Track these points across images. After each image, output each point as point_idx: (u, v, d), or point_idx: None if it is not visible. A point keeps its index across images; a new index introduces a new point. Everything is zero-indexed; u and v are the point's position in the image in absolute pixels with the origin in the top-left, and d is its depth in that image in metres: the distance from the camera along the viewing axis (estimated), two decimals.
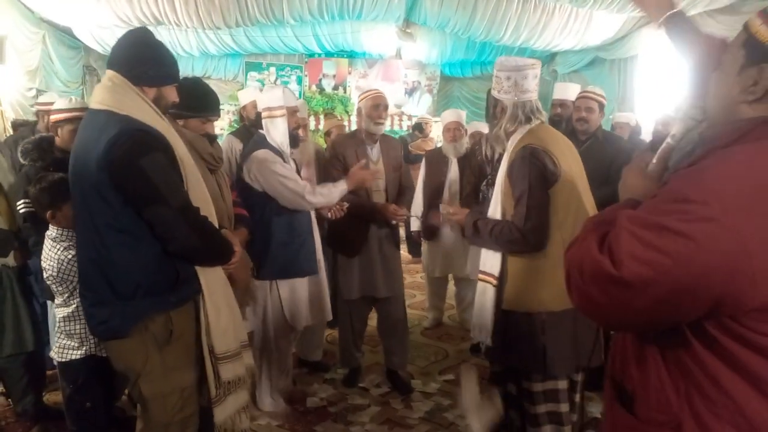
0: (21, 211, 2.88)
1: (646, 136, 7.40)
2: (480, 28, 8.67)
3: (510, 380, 2.48)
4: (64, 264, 2.40)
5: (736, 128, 1.07)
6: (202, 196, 2.09)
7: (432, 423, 3.21)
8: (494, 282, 2.34)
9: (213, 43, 10.05)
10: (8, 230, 2.85)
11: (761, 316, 0.95)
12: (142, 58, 1.99)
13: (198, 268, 2.03)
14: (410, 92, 11.46)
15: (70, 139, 2.89)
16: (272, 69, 10.98)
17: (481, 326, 2.43)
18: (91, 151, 1.86)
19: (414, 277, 6.09)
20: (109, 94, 1.96)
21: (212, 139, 2.88)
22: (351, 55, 11.09)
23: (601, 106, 3.55)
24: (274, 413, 3.26)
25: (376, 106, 3.43)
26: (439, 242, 4.48)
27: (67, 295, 2.45)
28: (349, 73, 11.11)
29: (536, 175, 2.18)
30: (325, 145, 4.95)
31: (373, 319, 3.79)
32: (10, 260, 2.88)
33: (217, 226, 2.16)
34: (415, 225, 4.59)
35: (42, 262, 2.47)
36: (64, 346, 2.50)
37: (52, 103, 3.86)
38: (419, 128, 8.00)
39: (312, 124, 9.96)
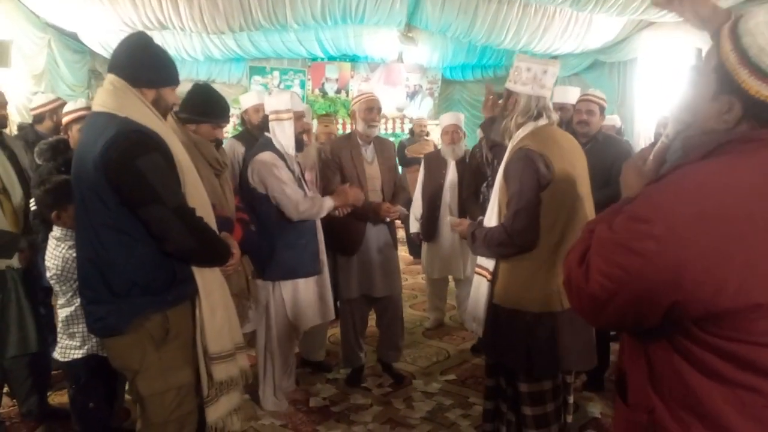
0: (33, 209, 2.92)
1: (637, 139, 7.46)
2: (481, 32, 8.70)
3: (501, 375, 2.51)
4: (69, 262, 2.44)
5: (705, 143, 1.11)
6: (200, 198, 2.11)
7: (434, 423, 3.24)
8: (488, 276, 2.38)
9: (217, 48, 10.10)
10: (13, 232, 2.89)
11: (712, 321, 1.02)
12: (140, 61, 2.03)
13: (195, 269, 2.06)
14: (412, 96, 11.49)
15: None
16: (276, 73, 11.03)
17: (474, 318, 2.47)
18: (90, 152, 1.90)
19: (416, 278, 6.13)
20: (109, 97, 1.99)
21: (218, 144, 2.93)
22: (353, 59, 11.13)
23: (602, 109, 3.58)
24: (277, 413, 3.30)
25: (370, 109, 3.51)
26: (438, 244, 4.52)
27: (70, 294, 2.48)
28: (352, 77, 11.15)
29: (528, 177, 2.20)
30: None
31: (373, 318, 3.84)
32: (15, 262, 2.91)
33: (215, 228, 2.18)
34: (415, 227, 4.63)
35: (46, 261, 2.51)
36: (66, 346, 2.54)
37: (53, 102, 3.91)
38: (412, 132, 8.06)
39: (315, 128, 9.98)
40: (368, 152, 3.62)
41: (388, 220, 3.56)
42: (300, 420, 3.27)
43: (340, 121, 10.65)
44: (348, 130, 10.27)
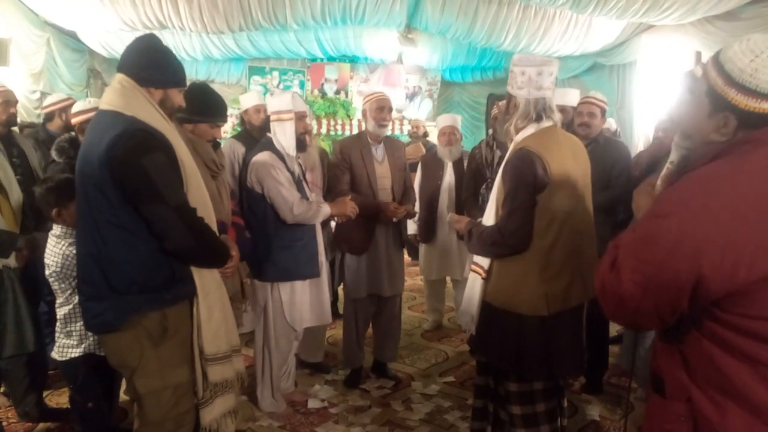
0: None
1: (636, 141, 7.47)
2: (481, 34, 8.71)
3: (491, 373, 2.51)
4: (68, 260, 2.44)
5: (709, 151, 1.29)
6: (202, 199, 2.13)
7: (432, 425, 3.24)
8: (483, 274, 2.38)
9: (217, 48, 10.09)
10: (10, 231, 2.88)
11: (732, 300, 1.17)
12: (149, 61, 2.06)
13: (194, 269, 2.07)
14: (411, 97, 11.49)
15: None
16: (275, 73, 11.02)
17: (468, 314, 2.47)
18: (95, 149, 1.92)
19: (414, 279, 6.12)
20: (117, 96, 2.02)
21: (216, 145, 2.92)
22: (353, 60, 11.13)
23: (603, 111, 3.58)
24: (275, 414, 3.29)
25: (381, 109, 3.52)
26: (435, 245, 4.52)
27: (69, 292, 2.48)
28: (351, 78, 11.15)
29: (524, 179, 2.19)
30: (328, 149, 4.98)
31: None
32: (12, 261, 2.91)
33: (215, 229, 2.19)
34: (412, 228, 4.63)
35: (45, 259, 2.51)
36: (64, 345, 2.53)
37: (63, 101, 3.91)
38: (410, 135, 8.06)
39: (314, 128, 9.97)
40: (378, 152, 3.63)
41: (395, 219, 3.56)
42: (298, 421, 3.26)
43: (339, 121, 10.65)
44: (347, 131, 10.36)
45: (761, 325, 1.16)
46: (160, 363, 2.03)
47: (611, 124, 5.42)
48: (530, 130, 2.28)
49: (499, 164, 2.56)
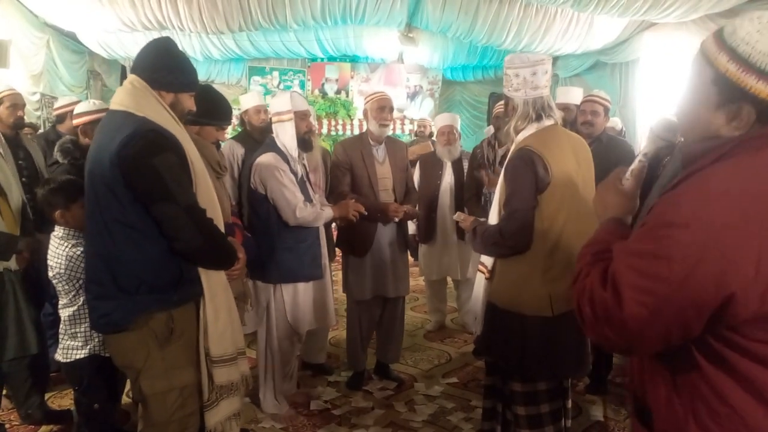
0: None
1: (639, 140, 7.44)
2: (482, 33, 8.68)
3: (498, 374, 2.51)
4: (72, 260, 2.44)
5: (714, 148, 1.11)
6: (210, 200, 2.13)
7: (436, 426, 3.22)
8: (487, 274, 2.38)
9: (216, 48, 10.08)
10: (10, 233, 2.87)
11: (755, 324, 1.01)
12: (162, 64, 2.07)
13: (201, 271, 2.07)
14: (412, 96, 11.48)
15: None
16: (275, 73, 11.01)
17: (473, 314, 2.47)
18: (106, 149, 1.92)
19: (417, 279, 6.10)
20: (128, 96, 2.03)
21: (217, 146, 2.91)
22: (353, 60, 11.11)
23: (606, 110, 3.56)
24: (277, 416, 3.27)
25: (382, 108, 3.50)
26: (435, 245, 4.50)
27: (72, 294, 2.47)
28: (352, 78, 11.13)
29: (525, 179, 2.17)
30: (329, 149, 4.96)
31: None
32: (12, 263, 2.89)
33: (222, 230, 2.19)
34: (412, 228, 4.61)
35: (48, 261, 2.50)
36: (69, 347, 2.52)
37: (74, 103, 3.90)
38: (416, 134, 8.04)
39: (315, 128, 9.96)
40: (379, 152, 3.61)
41: (396, 220, 3.54)
42: (301, 423, 3.25)
43: (340, 121, 10.63)
44: (348, 131, 10.35)
45: None
46: (166, 364, 2.03)
47: (616, 123, 5.41)
48: (531, 129, 2.27)
49: (501, 163, 2.54)
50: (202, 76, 10.44)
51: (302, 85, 11.03)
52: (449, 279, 4.84)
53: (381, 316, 3.74)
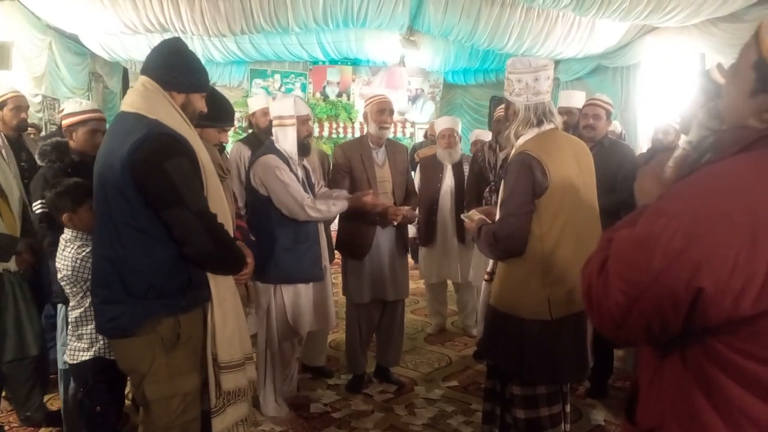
0: (38, 211, 2.88)
1: (640, 143, 7.45)
2: (483, 36, 8.69)
3: (497, 377, 2.51)
4: (78, 263, 2.43)
5: (741, 139, 1.06)
6: (221, 204, 2.11)
7: (436, 429, 3.21)
8: (487, 277, 2.39)
9: (218, 51, 10.10)
10: (10, 235, 2.86)
11: (730, 331, 0.98)
12: (173, 65, 2.05)
13: (210, 275, 2.05)
14: (413, 100, 11.49)
15: (86, 140, 2.91)
16: (277, 76, 11.03)
17: (480, 320, 2.49)
18: (117, 151, 1.90)
19: (417, 282, 6.09)
20: (140, 98, 2.01)
21: (221, 149, 2.91)
22: (355, 63, 11.13)
23: (609, 113, 3.56)
24: (277, 418, 3.26)
25: (382, 111, 3.50)
26: (435, 248, 4.50)
27: (80, 296, 2.47)
28: (353, 81, 11.15)
29: (522, 183, 2.17)
30: (329, 152, 4.97)
31: None
32: (12, 265, 2.89)
33: (232, 235, 2.18)
34: (412, 231, 4.60)
35: (57, 263, 2.50)
36: (75, 348, 2.52)
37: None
38: (425, 136, 8.04)
39: (315, 131, 9.98)
40: (379, 155, 3.60)
41: (395, 223, 3.54)
42: (301, 426, 3.24)
43: (341, 124, 10.64)
44: (349, 134, 10.36)
45: (760, 369, 0.96)
46: (171, 370, 2.01)
47: (616, 126, 5.40)
48: (531, 134, 2.27)
49: (502, 167, 2.54)
50: None
51: (304, 88, 11.05)
52: (449, 282, 4.83)
53: (381, 320, 3.73)
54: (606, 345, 3.54)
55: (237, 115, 10.34)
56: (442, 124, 4.56)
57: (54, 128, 4.38)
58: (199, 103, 2.15)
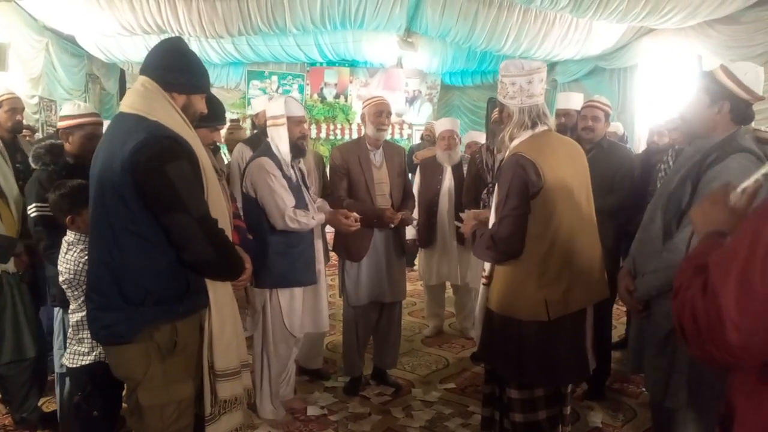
0: (33, 215, 2.84)
1: (637, 145, 7.46)
2: (481, 38, 8.71)
3: (495, 381, 2.50)
4: (81, 266, 2.40)
5: None
6: (221, 208, 2.08)
7: None
8: (485, 281, 2.38)
9: (215, 52, 10.10)
10: (8, 236, 2.85)
11: None
12: (174, 65, 2.00)
13: (208, 282, 2.01)
14: (411, 101, 11.50)
15: (81, 145, 2.89)
16: (274, 77, 11.03)
17: (477, 323, 2.48)
18: (117, 154, 1.85)
19: (414, 284, 6.09)
20: (140, 99, 1.96)
21: (216, 150, 2.89)
22: (352, 64, 11.14)
23: (607, 115, 3.56)
24: (274, 421, 3.25)
25: (380, 113, 3.50)
26: (434, 250, 4.49)
27: (81, 299, 2.44)
28: (351, 82, 11.15)
29: (516, 185, 2.17)
30: (326, 154, 4.97)
31: None
32: (11, 266, 2.87)
33: (231, 239, 2.14)
34: (411, 233, 4.60)
35: (59, 266, 2.48)
36: (75, 352, 2.50)
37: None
38: (422, 138, 8.05)
39: (313, 132, 9.99)
40: (377, 157, 3.60)
41: (392, 225, 3.54)
42: (297, 429, 3.22)
43: (339, 126, 10.65)
44: (347, 136, 10.36)
45: None
46: (166, 377, 1.97)
47: (618, 128, 5.41)
48: (525, 136, 2.28)
49: (500, 169, 2.54)
50: None
51: (301, 90, 11.05)
52: (448, 284, 4.83)
53: (378, 322, 3.73)
54: (603, 347, 3.54)
55: (234, 116, 10.37)
56: (442, 125, 4.56)
57: (51, 131, 4.36)
58: (200, 105, 2.11)
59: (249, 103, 10.57)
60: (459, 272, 4.47)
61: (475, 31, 8.55)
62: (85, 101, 9.01)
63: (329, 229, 3.60)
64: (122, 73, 10.63)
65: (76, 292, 2.45)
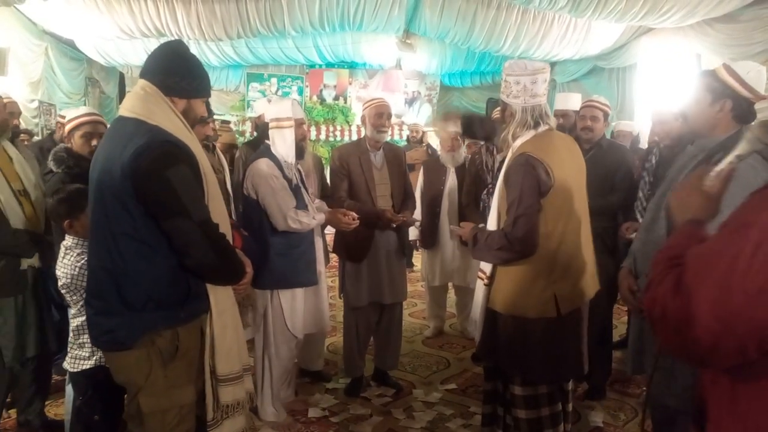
0: None
1: (644, 144, 7.45)
2: (479, 39, 8.71)
3: (499, 378, 2.51)
4: (77, 270, 2.40)
5: None
6: (221, 212, 2.07)
7: None
8: (485, 281, 2.38)
9: (215, 54, 10.11)
10: (33, 231, 2.85)
11: None
12: (175, 69, 1.98)
13: (209, 286, 2.00)
14: (410, 102, 11.51)
15: (83, 144, 2.91)
16: (273, 80, 11.03)
17: (474, 322, 2.49)
18: (117, 159, 1.84)
19: (415, 285, 6.09)
20: (140, 102, 1.94)
21: (212, 147, 2.87)
22: (351, 66, 11.15)
23: (606, 115, 3.57)
24: (276, 423, 3.25)
25: (380, 115, 3.51)
26: (437, 251, 4.49)
27: (80, 303, 2.43)
28: (350, 84, 11.16)
29: (529, 184, 2.19)
30: (327, 155, 4.98)
31: None
32: (36, 261, 2.88)
33: (231, 242, 2.14)
34: (413, 234, 4.60)
35: (56, 270, 2.47)
36: (76, 356, 2.50)
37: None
38: (408, 140, 8.10)
39: (313, 134, 10.00)
40: (377, 158, 3.60)
41: (394, 226, 3.54)
42: (299, 431, 3.22)
43: (338, 127, 10.66)
44: (346, 137, 10.37)
45: None
46: (168, 382, 1.96)
47: (632, 128, 5.41)
48: (528, 136, 2.29)
49: (499, 169, 2.54)
50: None
51: (300, 92, 11.06)
52: (450, 285, 4.82)
53: (378, 323, 3.73)
54: (605, 346, 3.54)
55: (234, 119, 10.39)
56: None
57: (48, 133, 4.34)
58: (201, 109, 2.10)
59: (248, 106, 10.58)
60: (462, 273, 4.46)
61: (474, 32, 8.56)
62: (85, 105, 9.03)
63: (329, 231, 3.61)
64: (121, 76, 10.64)
65: (74, 297, 2.44)
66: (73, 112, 3.28)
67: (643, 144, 7.41)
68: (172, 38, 8.14)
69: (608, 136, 5.33)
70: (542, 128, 2.30)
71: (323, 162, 4.56)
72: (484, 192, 3.94)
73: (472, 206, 4.19)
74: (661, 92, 7.29)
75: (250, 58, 10.46)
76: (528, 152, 2.22)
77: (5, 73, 6.59)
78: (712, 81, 2.04)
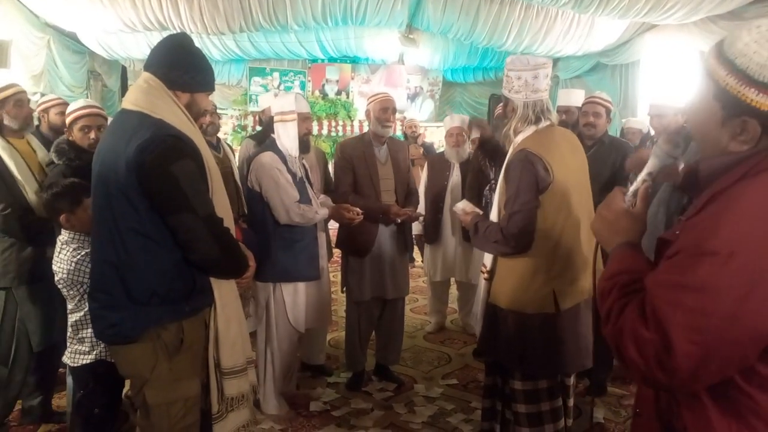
0: None
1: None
2: (482, 34, 8.69)
3: (498, 373, 2.52)
4: (74, 265, 2.40)
5: (733, 164, 1.08)
6: (225, 206, 2.07)
7: (435, 428, 3.21)
8: (486, 275, 2.39)
9: (217, 49, 10.09)
10: (47, 219, 2.87)
11: None
12: (179, 63, 1.97)
13: (213, 280, 2.01)
14: (413, 97, 11.50)
15: (82, 137, 2.92)
16: (276, 74, 11.02)
17: (476, 316, 2.51)
18: (121, 153, 1.83)
19: (416, 281, 6.10)
20: (143, 96, 1.93)
21: (215, 143, 2.87)
22: (354, 61, 11.13)
23: (608, 111, 3.56)
24: (277, 417, 3.26)
25: (385, 109, 3.51)
26: (440, 246, 4.49)
27: (78, 299, 2.44)
28: (352, 79, 11.15)
29: (526, 180, 2.19)
30: (329, 150, 4.99)
31: None
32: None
33: (235, 236, 2.14)
34: (417, 228, 4.61)
35: (53, 266, 2.47)
36: (76, 351, 2.50)
37: (50, 101, 3.89)
38: (405, 136, 8.10)
39: (315, 129, 10.00)
40: (381, 153, 3.60)
41: (398, 221, 3.54)
42: (300, 424, 3.23)
43: (340, 122, 10.65)
44: (348, 132, 10.37)
45: None
46: (173, 375, 1.97)
47: (643, 125, 5.39)
48: (529, 131, 2.29)
49: (501, 166, 2.54)
50: None
51: (303, 86, 11.04)
52: (452, 281, 4.83)
53: (380, 318, 3.73)
54: (605, 343, 3.55)
55: (236, 113, 10.39)
56: (450, 122, 4.57)
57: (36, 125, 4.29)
58: (204, 102, 2.09)
59: (251, 100, 10.57)
60: (464, 268, 4.47)
61: (477, 27, 8.54)
62: (87, 98, 9.02)
63: (332, 225, 3.61)
64: (124, 70, 10.62)
65: (71, 292, 2.44)
66: (72, 105, 3.28)
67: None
68: (175, 31, 8.16)
69: (617, 134, 5.34)
70: (543, 124, 2.30)
71: (327, 157, 4.56)
72: (487, 188, 3.94)
73: (474, 201, 4.19)
74: (664, 89, 7.28)
75: (253, 52, 10.44)
76: (527, 148, 2.22)
77: (7, 65, 6.57)
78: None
